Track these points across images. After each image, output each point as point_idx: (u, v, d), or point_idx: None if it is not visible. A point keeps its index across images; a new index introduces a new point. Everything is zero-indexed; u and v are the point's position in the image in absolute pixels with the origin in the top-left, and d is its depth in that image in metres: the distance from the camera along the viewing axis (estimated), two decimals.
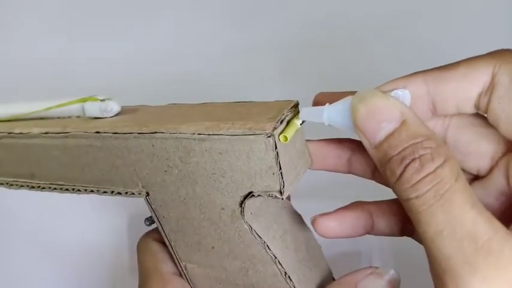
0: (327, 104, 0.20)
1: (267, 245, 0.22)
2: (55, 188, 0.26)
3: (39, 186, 0.27)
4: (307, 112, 0.21)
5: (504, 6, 0.35)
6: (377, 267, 0.22)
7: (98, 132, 0.23)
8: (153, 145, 0.22)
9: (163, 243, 0.26)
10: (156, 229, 0.27)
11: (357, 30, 0.36)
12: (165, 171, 0.22)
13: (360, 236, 0.23)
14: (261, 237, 0.22)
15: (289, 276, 0.22)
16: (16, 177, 0.27)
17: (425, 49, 0.35)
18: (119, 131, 0.22)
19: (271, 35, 0.37)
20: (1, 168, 0.28)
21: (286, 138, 0.19)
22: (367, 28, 0.36)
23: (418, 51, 0.35)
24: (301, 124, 0.21)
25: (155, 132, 0.21)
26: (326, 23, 0.37)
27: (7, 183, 0.28)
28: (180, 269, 0.26)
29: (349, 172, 0.23)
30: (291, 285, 0.23)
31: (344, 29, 0.36)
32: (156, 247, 0.27)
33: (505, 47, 0.19)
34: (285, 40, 0.36)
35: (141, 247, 0.28)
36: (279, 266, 0.22)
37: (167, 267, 0.26)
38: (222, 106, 0.23)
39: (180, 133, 0.21)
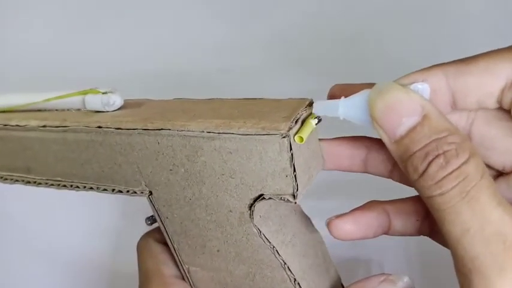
0: (342, 98, 0.19)
1: (276, 250, 0.21)
2: (52, 184, 0.25)
3: (35, 182, 0.26)
4: (321, 106, 0.19)
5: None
6: (390, 274, 0.21)
7: (99, 127, 0.22)
8: (158, 142, 0.21)
9: (164, 243, 0.25)
10: (157, 229, 0.26)
11: (367, 22, 0.35)
12: (171, 170, 0.21)
13: (377, 236, 0.22)
14: (270, 242, 0.21)
15: (298, 283, 0.21)
16: (11, 172, 0.26)
17: (440, 41, 0.34)
18: (122, 127, 0.21)
19: (278, 27, 0.36)
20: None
21: (301, 139, 0.18)
22: (377, 20, 0.35)
23: (431, 43, 0.34)
24: (316, 124, 0.19)
25: (161, 129, 0.20)
26: (336, 15, 0.36)
27: (1, 178, 0.27)
28: (182, 271, 0.25)
29: (364, 171, 0.22)
30: None
31: (355, 21, 0.35)
32: (157, 248, 0.26)
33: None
34: (293, 33, 0.35)
35: (141, 248, 0.27)
36: (288, 272, 0.21)
37: (169, 269, 0.25)
38: (231, 102, 0.22)
39: (188, 131, 0.20)
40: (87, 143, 0.22)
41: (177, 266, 0.25)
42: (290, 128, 0.18)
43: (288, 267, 0.21)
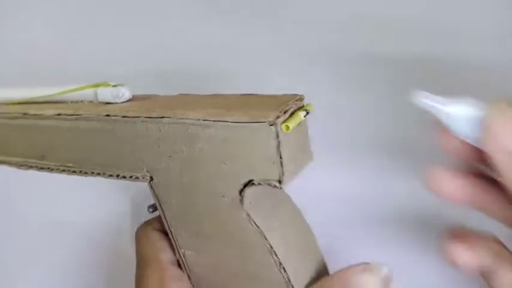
0: (445, 102, 0.18)
1: (264, 235, 0.22)
2: (63, 170, 0.27)
3: (48, 168, 0.28)
4: (425, 99, 0.19)
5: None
6: (370, 264, 0.22)
7: (108, 116, 0.24)
8: (159, 130, 0.23)
9: (163, 232, 0.27)
10: (156, 218, 0.28)
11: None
12: (170, 156, 0.23)
13: (474, 204, 0.21)
14: (258, 227, 0.22)
15: (284, 268, 0.23)
16: (26, 158, 0.28)
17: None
18: (128, 115, 0.23)
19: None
20: (13, 149, 0.28)
21: (288, 127, 0.20)
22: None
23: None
24: (304, 116, 0.21)
25: (162, 117, 0.22)
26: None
27: (17, 164, 0.29)
28: (178, 256, 0.26)
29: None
30: (286, 277, 0.23)
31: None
32: (155, 235, 0.27)
33: None
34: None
35: (140, 235, 0.28)
36: (275, 257, 0.23)
37: (166, 255, 0.27)
38: (233, 97, 0.24)
39: (187, 118, 0.21)
40: (97, 131, 0.24)
41: (174, 252, 0.26)
42: (278, 117, 0.20)
43: (275, 251, 0.23)
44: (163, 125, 0.22)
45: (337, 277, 0.23)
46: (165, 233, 0.27)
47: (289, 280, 0.23)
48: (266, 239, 0.22)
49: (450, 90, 0.21)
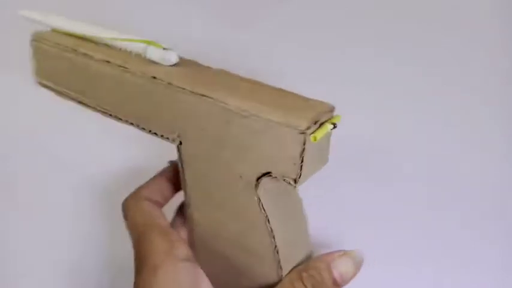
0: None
1: (268, 219, 0.25)
2: (99, 111, 0.29)
3: (85, 104, 0.30)
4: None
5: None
6: (346, 250, 0.26)
7: (154, 78, 0.26)
8: (199, 104, 0.25)
9: (152, 202, 0.29)
10: (144, 187, 0.30)
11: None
12: (203, 129, 0.25)
13: None
14: (265, 211, 0.25)
15: (277, 251, 0.26)
16: (68, 89, 0.30)
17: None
18: (173, 83, 0.25)
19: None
20: (58, 77, 0.30)
21: (315, 138, 0.22)
22: None
23: None
24: (331, 129, 0.23)
25: (205, 96, 0.24)
26: None
27: (59, 92, 0.31)
28: (187, 214, 0.29)
29: None
30: (277, 259, 0.26)
31: None
32: (149, 205, 0.28)
33: None
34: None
35: (130, 206, 0.28)
36: (273, 240, 0.26)
37: (165, 221, 0.28)
38: (269, 89, 0.25)
39: (227, 104, 0.23)
40: (140, 87, 0.26)
41: (171, 221, 0.29)
42: (308, 128, 0.22)
43: (274, 236, 0.25)
44: (206, 102, 0.24)
45: (321, 259, 0.26)
46: (155, 203, 0.29)
47: (279, 262, 0.26)
48: (269, 223, 0.25)
49: None
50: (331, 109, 0.24)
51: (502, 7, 0.42)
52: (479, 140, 0.40)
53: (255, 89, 0.25)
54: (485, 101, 0.41)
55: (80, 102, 0.30)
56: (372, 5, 0.44)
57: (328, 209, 0.36)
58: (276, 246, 0.26)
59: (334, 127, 0.23)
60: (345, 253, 0.26)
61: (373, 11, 0.44)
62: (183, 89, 0.25)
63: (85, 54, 0.28)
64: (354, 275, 0.26)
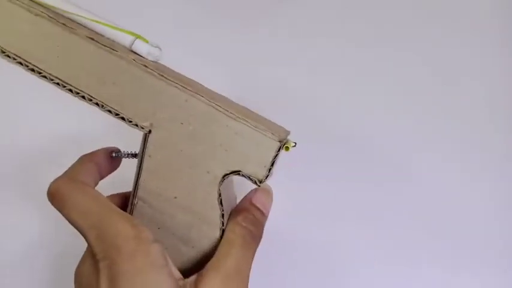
0: None
1: (223, 214, 0.28)
2: (60, 83, 0.28)
3: (41, 73, 0.28)
4: None
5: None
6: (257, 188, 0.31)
7: (145, 66, 0.27)
8: (186, 100, 0.27)
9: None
10: (78, 171, 0.29)
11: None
12: (182, 123, 0.28)
13: None
14: (222, 206, 0.28)
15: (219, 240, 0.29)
16: (22, 53, 0.28)
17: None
18: (165, 75, 0.27)
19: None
20: (10, 37, 0.28)
21: (287, 148, 0.27)
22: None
23: None
24: (293, 146, 0.29)
25: (197, 93, 0.27)
26: None
27: (4, 52, 0.28)
28: (130, 203, 0.29)
29: None
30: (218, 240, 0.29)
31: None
32: (93, 189, 0.27)
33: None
34: None
35: (70, 191, 0.27)
36: (220, 233, 0.28)
37: (115, 205, 0.27)
38: (247, 110, 0.30)
39: (217, 105, 0.27)
40: (124, 72, 0.27)
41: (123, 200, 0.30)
42: (283, 140, 0.27)
43: (223, 229, 0.28)
44: (194, 99, 0.27)
45: (243, 201, 0.31)
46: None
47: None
48: (223, 218, 0.28)
49: None
50: (288, 133, 0.30)
51: (503, 7, 0.44)
52: (480, 141, 0.41)
53: (234, 104, 0.29)
54: (487, 101, 0.42)
55: (34, 70, 0.28)
56: (373, 5, 0.45)
57: (330, 208, 0.39)
58: (220, 238, 0.29)
59: (295, 145, 0.29)
60: (256, 188, 0.31)
61: (374, 11, 0.45)
62: (176, 83, 0.27)
63: (65, 25, 0.28)
64: (271, 201, 0.32)
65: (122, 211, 0.27)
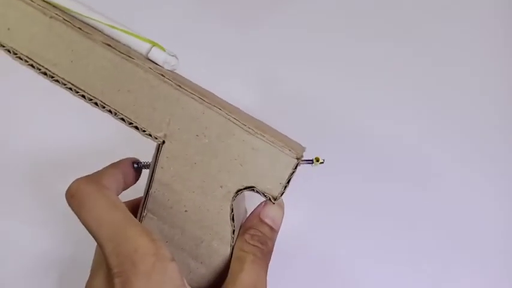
0: None
1: (234, 230, 0.28)
2: (72, 88, 0.27)
3: (54, 77, 0.27)
4: None
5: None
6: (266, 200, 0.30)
7: (162, 76, 0.27)
8: (203, 113, 0.27)
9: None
10: (104, 175, 0.28)
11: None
12: (197, 135, 0.27)
13: None
14: (233, 222, 0.27)
15: (230, 260, 0.28)
16: (35, 56, 0.27)
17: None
18: (182, 86, 0.27)
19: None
20: (25, 39, 0.27)
21: (318, 160, 0.27)
22: None
23: None
24: (321, 163, 0.28)
25: (214, 106, 0.26)
26: None
27: (16, 54, 0.27)
28: (139, 214, 0.28)
29: None
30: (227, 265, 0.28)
31: None
32: (116, 196, 0.26)
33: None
34: None
35: (91, 194, 0.25)
36: (230, 249, 0.28)
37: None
38: (265, 125, 0.29)
39: (235, 118, 0.26)
40: (140, 80, 0.27)
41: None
42: (301, 157, 0.27)
43: (233, 246, 0.28)
44: (211, 111, 0.26)
45: (252, 216, 0.30)
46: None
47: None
48: (234, 235, 0.28)
49: None
50: (304, 149, 0.29)
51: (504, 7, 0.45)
52: (482, 141, 0.41)
53: (251, 118, 0.29)
54: (489, 101, 0.43)
55: (46, 74, 0.27)
56: (374, 4, 0.46)
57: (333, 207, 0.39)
58: (231, 256, 0.28)
59: (323, 162, 0.28)
60: (266, 202, 0.30)
61: (375, 10, 0.46)
62: (193, 94, 0.27)
63: (80, 30, 0.27)
64: (282, 215, 0.30)
65: (140, 224, 0.25)
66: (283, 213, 0.31)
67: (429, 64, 0.44)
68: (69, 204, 0.26)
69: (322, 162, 0.28)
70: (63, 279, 0.39)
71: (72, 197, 0.25)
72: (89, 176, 0.27)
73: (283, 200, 0.31)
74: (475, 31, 0.45)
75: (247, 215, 0.31)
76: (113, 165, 0.29)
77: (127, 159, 0.31)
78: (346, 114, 0.42)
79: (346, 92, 0.44)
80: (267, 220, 0.30)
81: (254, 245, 0.28)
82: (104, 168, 0.29)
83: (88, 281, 0.27)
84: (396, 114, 0.42)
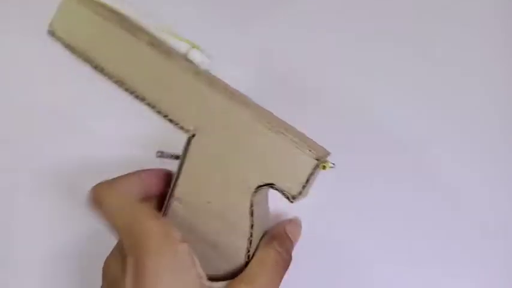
0: None
1: (252, 225, 0.29)
2: (118, 81, 0.30)
3: (103, 70, 0.30)
4: None
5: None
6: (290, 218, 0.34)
7: (197, 74, 0.29)
8: (231, 110, 0.28)
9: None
10: (123, 181, 0.30)
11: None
12: (225, 130, 0.29)
13: None
14: (252, 217, 0.29)
15: (248, 255, 0.29)
16: (90, 52, 0.30)
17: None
18: (215, 85, 0.29)
19: None
20: (83, 37, 0.30)
21: (324, 167, 0.28)
22: None
23: None
24: (331, 167, 0.29)
25: (243, 105, 0.28)
26: None
27: (75, 49, 0.31)
28: (165, 201, 0.30)
29: None
30: (244, 259, 0.29)
31: None
32: (124, 193, 0.29)
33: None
34: None
35: (108, 193, 0.28)
36: (248, 244, 0.29)
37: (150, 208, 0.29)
38: (290, 126, 0.30)
39: (261, 117, 0.28)
40: (178, 77, 0.29)
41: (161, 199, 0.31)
42: (321, 158, 0.27)
43: (251, 241, 0.29)
44: (240, 111, 0.28)
45: (277, 228, 0.32)
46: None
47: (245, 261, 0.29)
48: (252, 229, 0.29)
49: None
50: (328, 153, 0.30)
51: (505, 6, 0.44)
52: (483, 139, 0.41)
53: (272, 115, 0.30)
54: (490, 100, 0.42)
55: (97, 67, 0.30)
56: (374, 4, 0.46)
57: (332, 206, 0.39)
58: (248, 251, 0.29)
59: (333, 166, 0.29)
60: (291, 219, 0.34)
61: (375, 10, 0.46)
62: (224, 93, 0.28)
63: (129, 30, 0.30)
64: (300, 232, 0.34)
65: (154, 211, 0.28)
66: (300, 233, 0.34)
67: (431, 64, 0.44)
68: (90, 206, 0.29)
69: (332, 166, 0.29)
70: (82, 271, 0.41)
71: (92, 200, 0.28)
72: (107, 180, 0.29)
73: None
74: (474, 31, 0.45)
75: (270, 223, 0.32)
76: (134, 172, 0.31)
77: (153, 169, 0.32)
78: (346, 115, 0.42)
79: (346, 92, 0.43)
80: (290, 234, 0.32)
81: (280, 252, 0.30)
82: (123, 175, 0.31)
83: (106, 258, 0.29)
84: (396, 115, 0.42)
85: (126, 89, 0.30)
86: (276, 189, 0.28)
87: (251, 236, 0.29)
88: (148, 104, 0.30)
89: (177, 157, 0.32)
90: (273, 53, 0.45)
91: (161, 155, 0.33)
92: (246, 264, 0.29)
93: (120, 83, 0.30)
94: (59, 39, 0.31)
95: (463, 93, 0.42)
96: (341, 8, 0.46)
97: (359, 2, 0.46)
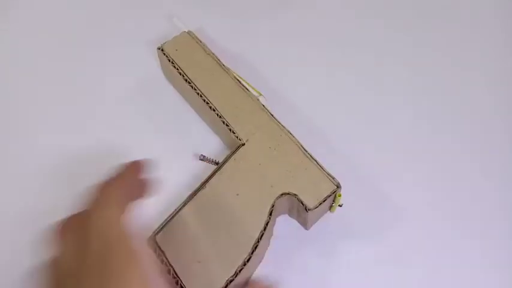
0: None
1: (268, 223, 0.34)
2: (201, 95, 0.39)
3: (193, 86, 0.40)
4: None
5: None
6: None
7: (263, 107, 0.39)
8: (281, 135, 0.37)
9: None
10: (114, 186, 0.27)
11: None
12: (269, 147, 0.36)
13: None
14: (270, 216, 0.34)
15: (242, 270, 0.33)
16: (187, 71, 0.41)
17: None
18: (273, 115, 0.38)
19: None
20: (186, 61, 0.41)
21: (340, 195, 0.35)
22: None
23: None
24: (339, 206, 0.36)
25: (289, 133, 0.37)
26: None
27: (175, 66, 0.41)
28: (200, 185, 0.35)
29: None
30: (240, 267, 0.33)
31: None
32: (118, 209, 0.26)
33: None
34: None
35: (119, 234, 0.25)
36: (258, 235, 0.33)
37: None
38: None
39: (301, 145, 0.36)
40: (248, 104, 0.39)
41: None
42: (339, 186, 0.35)
43: (262, 234, 0.33)
44: (286, 136, 0.37)
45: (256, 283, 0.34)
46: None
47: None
48: (266, 225, 0.34)
49: None
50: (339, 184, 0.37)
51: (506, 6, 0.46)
52: (483, 137, 0.42)
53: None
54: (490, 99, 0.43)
55: (189, 83, 0.40)
56: (375, 4, 0.48)
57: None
58: (248, 260, 0.33)
59: (341, 206, 0.36)
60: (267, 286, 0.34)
61: (376, 9, 0.48)
62: (278, 122, 0.38)
63: (221, 65, 0.41)
64: None
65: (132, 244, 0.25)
66: None
67: (430, 64, 0.46)
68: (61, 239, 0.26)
69: (341, 206, 0.36)
70: None
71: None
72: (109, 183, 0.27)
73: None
74: (474, 31, 0.47)
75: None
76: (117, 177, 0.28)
77: (131, 165, 0.29)
78: (347, 114, 0.45)
79: (347, 93, 0.46)
80: None
81: None
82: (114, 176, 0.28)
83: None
84: (396, 114, 0.44)
85: (207, 103, 0.39)
86: (297, 199, 0.34)
87: (264, 229, 0.33)
88: (218, 116, 0.38)
89: (216, 163, 0.39)
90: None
91: (203, 158, 0.39)
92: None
93: (204, 98, 0.39)
94: (165, 54, 0.42)
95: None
96: (337, 10, 0.49)
97: (356, 4, 0.49)
